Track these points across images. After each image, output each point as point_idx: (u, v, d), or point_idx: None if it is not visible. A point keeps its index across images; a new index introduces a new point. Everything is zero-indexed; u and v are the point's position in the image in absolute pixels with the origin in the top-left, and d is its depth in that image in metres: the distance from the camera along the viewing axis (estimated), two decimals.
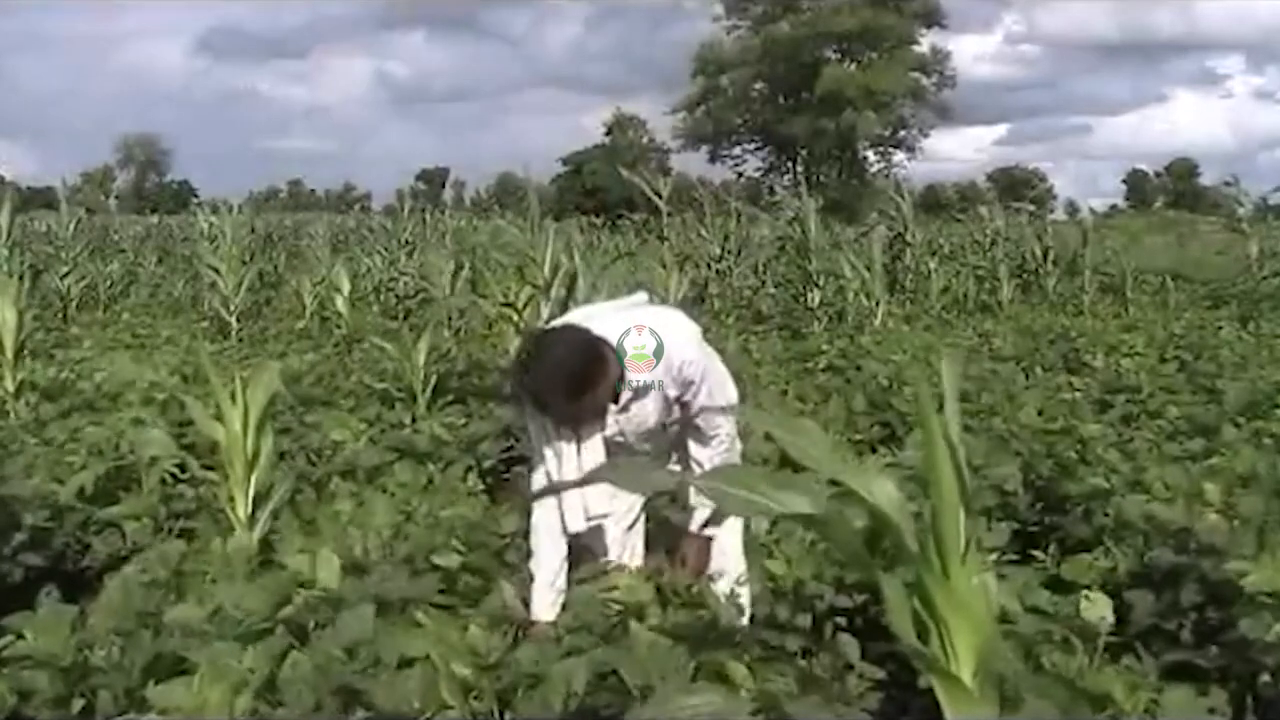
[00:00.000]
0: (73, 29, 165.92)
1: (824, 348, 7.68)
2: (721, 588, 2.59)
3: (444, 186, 64.78)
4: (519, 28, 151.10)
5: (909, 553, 1.25)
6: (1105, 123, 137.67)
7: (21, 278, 9.47)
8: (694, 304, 9.89)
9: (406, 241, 13.96)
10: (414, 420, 4.93)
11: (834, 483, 1.28)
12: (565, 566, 2.63)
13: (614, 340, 2.54)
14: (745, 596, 2.67)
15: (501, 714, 1.98)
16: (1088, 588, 2.54)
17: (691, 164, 52.96)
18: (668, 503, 3.12)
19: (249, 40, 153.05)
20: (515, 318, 5.96)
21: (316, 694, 1.97)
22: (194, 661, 2.07)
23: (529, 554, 2.66)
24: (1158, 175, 73.77)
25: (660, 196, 10.94)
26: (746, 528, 2.85)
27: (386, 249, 13.85)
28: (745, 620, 2.61)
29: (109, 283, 14.33)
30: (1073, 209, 52.41)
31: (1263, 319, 9.47)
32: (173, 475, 3.72)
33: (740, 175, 54.17)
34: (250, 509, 3.06)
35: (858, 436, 4.82)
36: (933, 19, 53.93)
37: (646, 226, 16.83)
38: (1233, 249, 14.38)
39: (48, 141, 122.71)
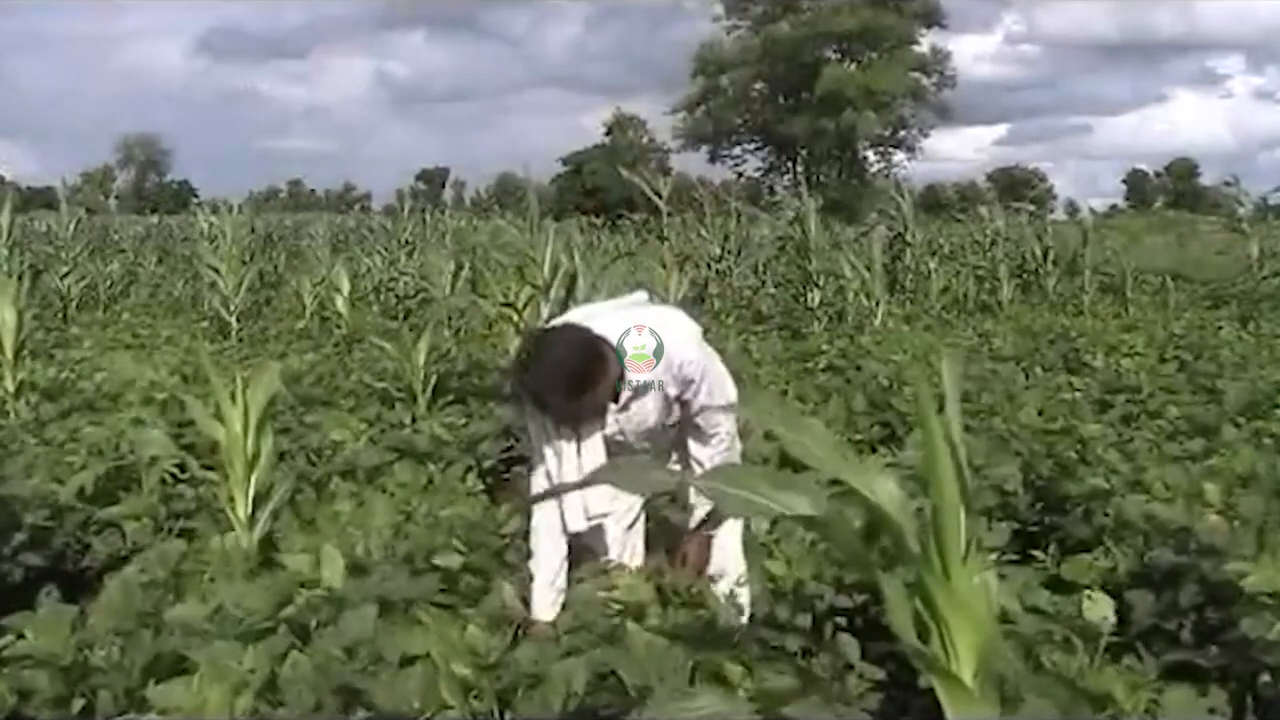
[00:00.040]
0: (73, 29, 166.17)
1: (824, 348, 7.67)
2: (721, 588, 2.59)
3: (444, 186, 64.83)
4: (519, 28, 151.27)
5: (910, 552, 1.25)
6: (1105, 123, 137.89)
7: (21, 278, 9.45)
8: (694, 304, 9.89)
9: (406, 241, 13.96)
10: (414, 420, 4.93)
11: (834, 482, 1.28)
12: (565, 566, 2.63)
13: (614, 340, 2.54)
14: (745, 596, 2.67)
15: (501, 714, 1.98)
16: (1088, 588, 2.54)
17: (691, 164, 53.05)
18: (668, 503, 3.12)
19: (249, 40, 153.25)
20: (515, 318, 5.96)
21: (317, 694, 1.97)
22: (194, 661, 2.08)
23: (529, 553, 2.67)
24: (1158, 175, 73.82)
25: (660, 196, 10.94)
26: (746, 527, 2.86)
27: (386, 249, 13.85)
28: (745, 620, 2.62)
29: (109, 283, 14.33)
30: (1073, 209, 52.48)
31: (1263, 319, 9.47)
32: (173, 475, 3.72)
33: (740, 175, 54.26)
34: (250, 509, 3.06)
35: (858, 436, 4.82)
36: (933, 19, 53.99)
37: (646, 226, 16.84)
38: (1233, 249, 14.38)
39: (48, 141, 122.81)
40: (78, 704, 2.09)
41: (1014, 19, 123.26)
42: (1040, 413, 4.64)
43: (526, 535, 2.72)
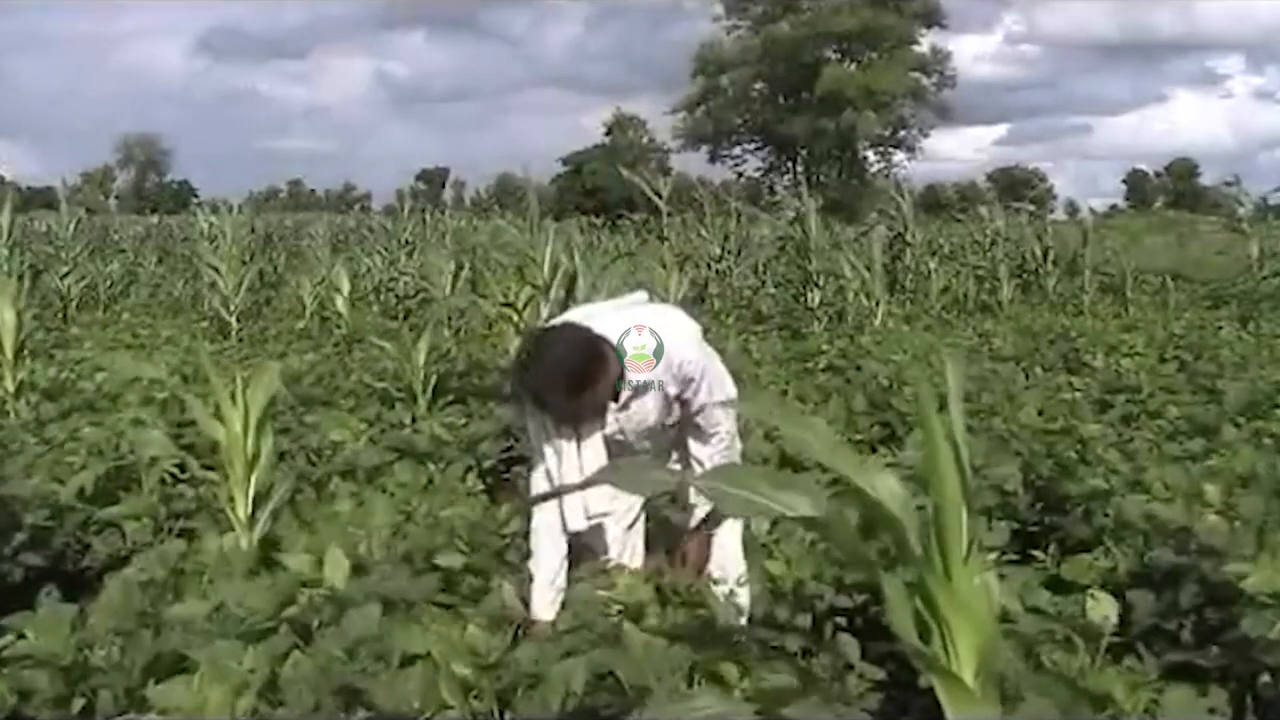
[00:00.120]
0: (73, 29, 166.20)
1: (824, 348, 7.67)
2: (721, 588, 2.59)
3: (444, 186, 64.81)
4: (519, 28, 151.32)
5: (911, 552, 1.25)
6: (1105, 123, 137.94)
7: (21, 278, 9.47)
8: (694, 304, 9.89)
9: (406, 241, 13.96)
10: (414, 420, 4.93)
11: (834, 482, 1.28)
12: (565, 565, 2.63)
13: (614, 339, 2.54)
14: (745, 596, 2.67)
15: (501, 714, 1.98)
16: (1088, 588, 2.54)
17: (691, 164, 53.05)
18: (667, 503, 3.12)
19: (249, 40, 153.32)
20: (515, 318, 5.96)
21: (317, 694, 1.97)
22: (194, 661, 2.08)
23: (528, 553, 2.67)
24: (1158, 175, 73.83)
25: (660, 196, 10.93)
26: (746, 527, 2.86)
27: (386, 249, 13.85)
28: (745, 620, 2.62)
29: (109, 283, 14.33)
30: (1073, 209, 52.52)
31: (1263, 319, 9.47)
32: (172, 475, 3.72)
33: (740, 175, 54.26)
34: (250, 509, 3.06)
35: (858, 436, 4.82)
36: (933, 19, 53.98)
37: (646, 226, 16.83)
38: (1233, 249, 14.37)
39: (48, 141, 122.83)
40: (78, 704, 2.09)
41: (1014, 19, 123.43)
42: (1040, 413, 4.64)
43: (526, 535, 2.72)
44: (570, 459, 2.59)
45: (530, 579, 2.63)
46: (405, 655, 2.09)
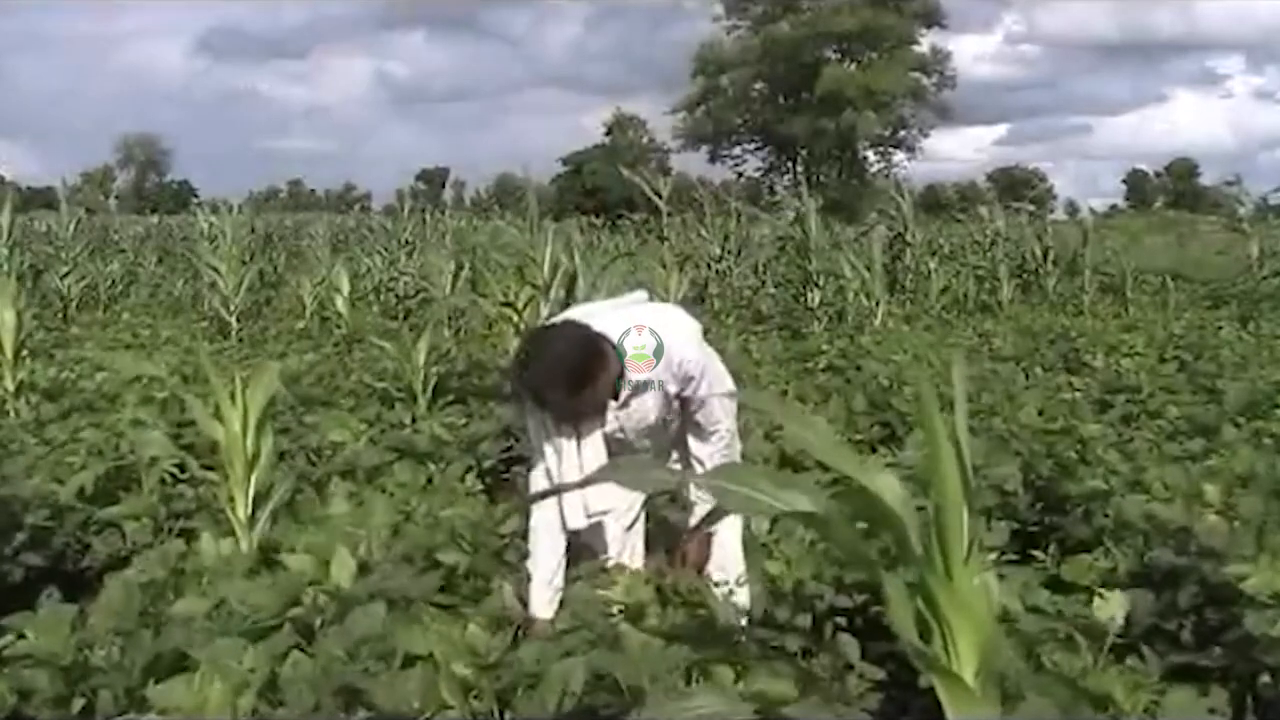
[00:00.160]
0: (73, 29, 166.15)
1: (824, 348, 7.67)
2: (721, 588, 2.59)
3: (444, 186, 64.76)
4: (519, 28, 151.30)
5: (912, 552, 1.25)
6: (1105, 123, 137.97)
7: (21, 278, 9.49)
8: (694, 304, 9.89)
9: (406, 241, 13.96)
10: (414, 420, 4.93)
11: (834, 482, 1.28)
12: (563, 564, 2.63)
13: (614, 339, 2.55)
14: (744, 596, 2.67)
15: (501, 714, 1.98)
16: (1088, 588, 2.54)
17: (691, 164, 53.06)
18: (667, 502, 3.12)
19: (249, 40, 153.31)
20: (515, 318, 5.96)
21: (317, 694, 1.97)
22: (195, 661, 2.08)
23: (527, 551, 2.67)
24: (1158, 175, 73.86)
25: (660, 196, 10.94)
26: (746, 527, 2.86)
27: (386, 249, 13.85)
28: (745, 620, 2.62)
29: (109, 283, 14.32)
30: (1073, 209, 52.49)
31: (1263, 319, 9.47)
32: (172, 475, 3.72)
33: (740, 175, 54.27)
34: (250, 509, 3.06)
35: (858, 436, 4.82)
36: (933, 19, 53.99)
37: (646, 226, 16.83)
38: (1233, 249, 14.37)
39: (48, 141, 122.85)
40: (78, 704, 2.09)
41: (1014, 19, 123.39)
42: (1040, 413, 4.64)
43: (525, 534, 2.72)
44: (570, 457, 2.59)
45: (528, 578, 2.63)
46: (407, 655, 2.09)
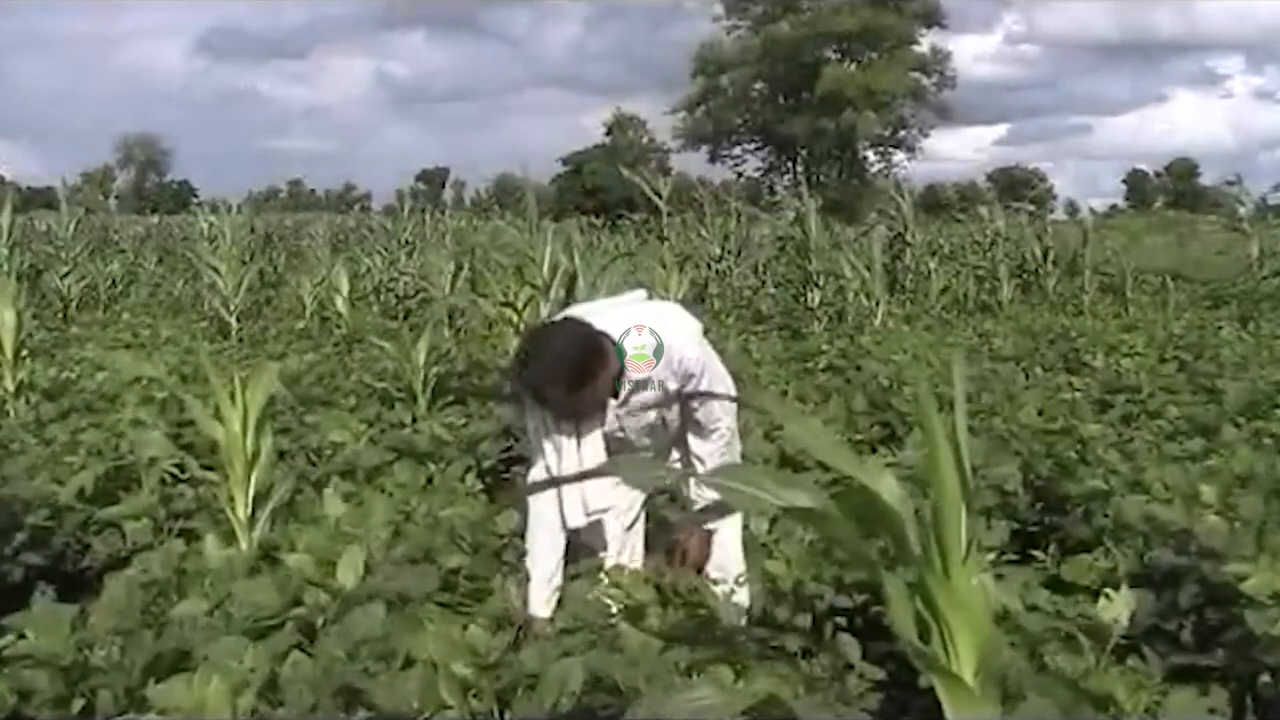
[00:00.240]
0: (73, 29, 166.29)
1: (824, 348, 7.67)
2: (721, 588, 2.59)
3: (444, 186, 64.79)
4: (519, 28, 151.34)
5: (910, 551, 1.25)
6: (1105, 123, 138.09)
7: (21, 278, 9.48)
8: (694, 304, 9.88)
9: (406, 241, 13.95)
10: (414, 420, 4.93)
11: (834, 482, 1.28)
12: (562, 563, 2.63)
13: (614, 338, 2.55)
14: (744, 595, 2.67)
15: (501, 714, 1.98)
16: (1088, 588, 2.54)
17: (691, 164, 53.09)
18: (667, 502, 3.12)
19: (249, 40, 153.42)
20: (515, 318, 5.96)
21: (317, 694, 1.97)
22: (195, 660, 2.08)
23: (526, 549, 2.67)
24: (1158, 175, 73.90)
25: (660, 196, 10.94)
26: (746, 526, 2.86)
27: (386, 249, 13.84)
28: (744, 620, 2.62)
29: (109, 283, 14.31)
30: (1073, 209, 52.56)
31: (1263, 319, 9.47)
32: (172, 475, 3.72)
33: (740, 175, 54.27)
34: (250, 509, 3.06)
35: (858, 436, 4.82)
36: (933, 19, 54.01)
37: (646, 226, 16.82)
38: (1233, 249, 14.37)
39: (48, 141, 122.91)
40: (78, 704, 2.09)
41: (1014, 19, 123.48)
42: (1040, 413, 4.64)
43: (524, 533, 2.72)
44: (570, 456, 2.59)
45: (528, 576, 2.63)
46: (407, 656, 2.09)
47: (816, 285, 10.54)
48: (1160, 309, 11.36)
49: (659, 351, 2.59)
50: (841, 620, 2.58)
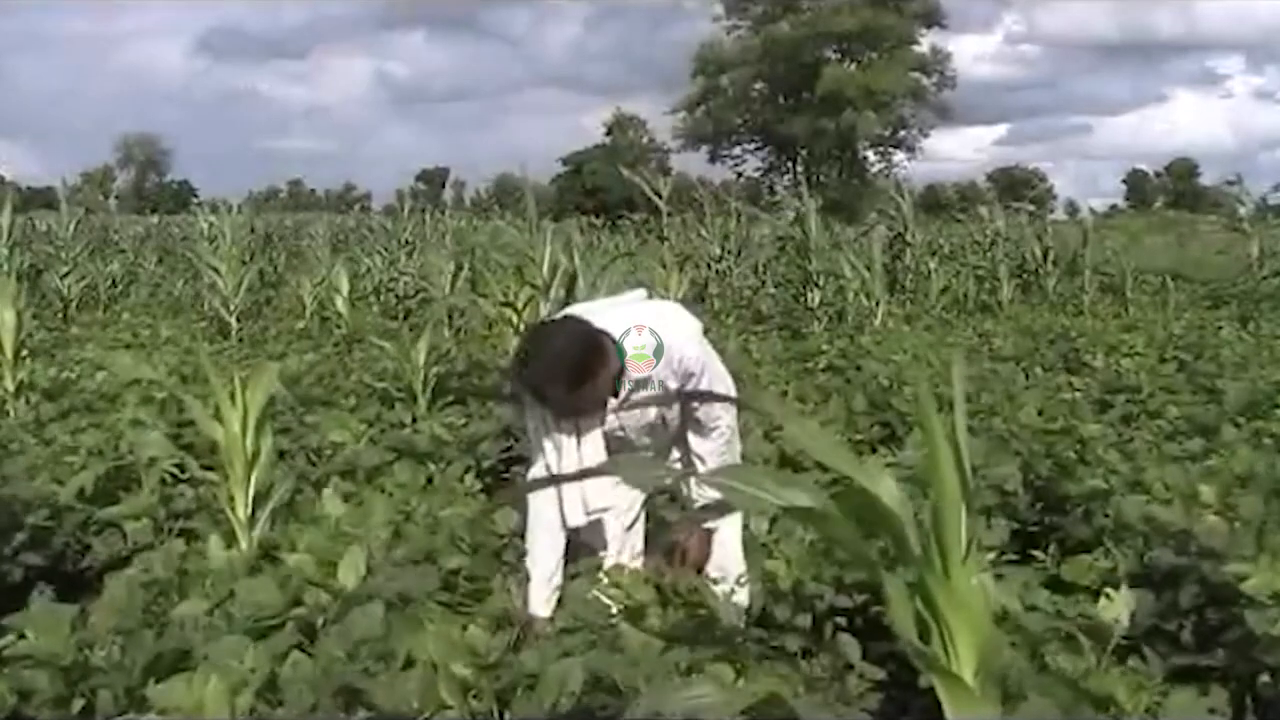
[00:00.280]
0: (73, 29, 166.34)
1: (824, 348, 7.67)
2: (721, 587, 2.59)
3: (444, 186, 64.78)
4: (519, 28, 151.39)
5: (910, 551, 1.25)
6: (1105, 123, 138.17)
7: (21, 278, 9.48)
8: (694, 304, 9.88)
9: (406, 241, 13.95)
10: (414, 420, 4.93)
11: (834, 483, 1.28)
12: (562, 562, 2.63)
13: (614, 338, 2.55)
14: (743, 595, 2.67)
15: (501, 714, 1.98)
16: (1088, 588, 2.54)
17: (691, 164, 53.10)
18: (667, 502, 3.12)
19: (249, 40, 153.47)
20: (515, 318, 5.96)
21: (316, 694, 1.97)
22: (196, 660, 2.07)
23: (526, 548, 2.67)
24: (1158, 175, 73.93)
25: (660, 196, 10.94)
26: (746, 526, 2.86)
27: (386, 249, 13.84)
28: (743, 620, 2.62)
29: (109, 283, 14.31)
30: (1073, 209, 52.57)
31: (1263, 319, 9.46)
32: (172, 475, 3.72)
33: (740, 175, 54.27)
34: (250, 509, 3.06)
35: (858, 436, 4.82)
36: (933, 19, 54.02)
37: (646, 226, 16.81)
38: (1233, 249, 14.36)
39: (48, 141, 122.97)
40: (78, 704, 2.09)
41: (1014, 19, 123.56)
42: (1040, 413, 4.64)
43: (524, 532, 2.72)
44: (570, 454, 2.59)
45: (528, 575, 2.63)
46: (407, 656, 2.09)
47: (816, 285, 10.53)
48: (1160, 309, 11.35)
49: (659, 351, 2.59)
50: (841, 620, 2.58)
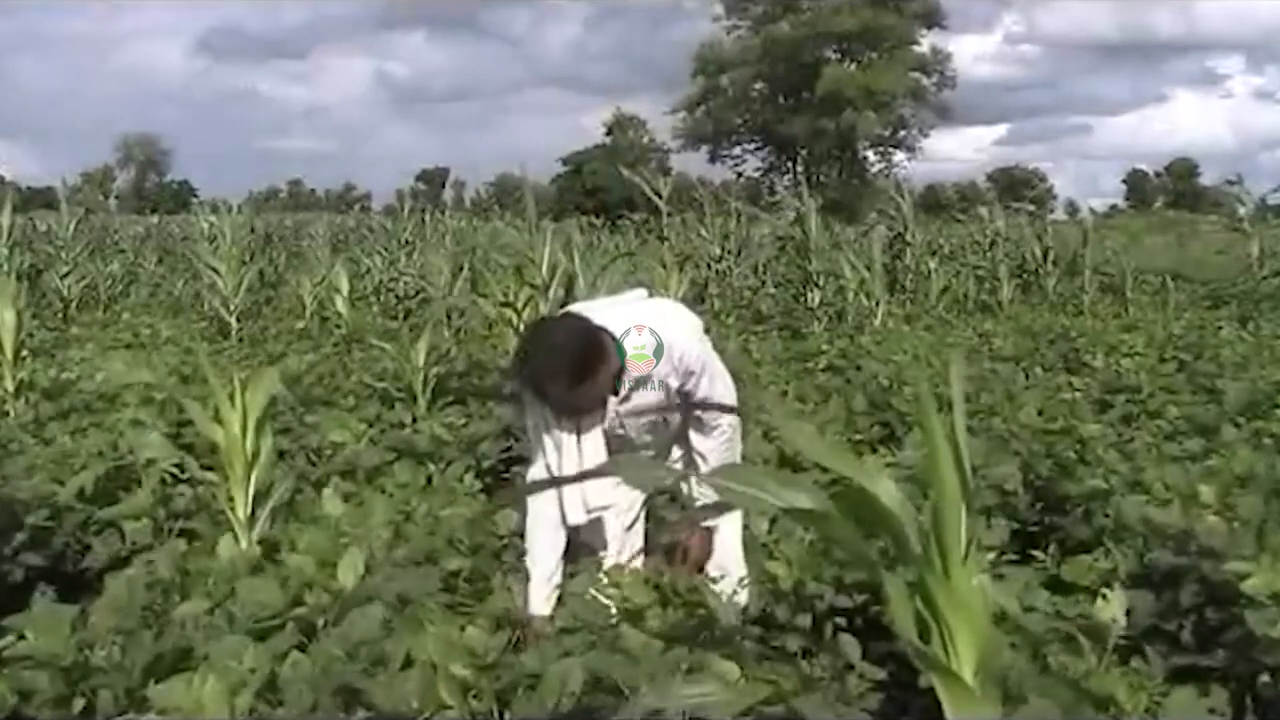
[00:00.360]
0: (73, 29, 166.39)
1: (824, 348, 7.67)
2: (721, 586, 2.59)
3: (444, 187, 64.75)
4: (519, 28, 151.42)
5: (910, 551, 1.25)
6: (1105, 123, 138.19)
7: (21, 278, 9.49)
8: (694, 304, 9.87)
9: (406, 242, 13.94)
10: (414, 420, 4.93)
11: (834, 482, 1.29)
12: (562, 561, 2.63)
13: (614, 336, 2.55)
14: (742, 594, 2.67)
15: (501, 714, 1.98)
16: (1088, 588, 2.53)
17: (691, 164, 53.12)
18: (667, 502, 3.12)
19: (249, 40, 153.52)
20: (514, 318, 5.96)
21: (316, 694, 1.97)
22: (196, 660, 2.07)
23: (526, 547, 2.67)
24: (1158, 175, 73.93)
25: (660, 196, 10.94)
26: (746, 526, 2.86)
27: (386, 249, 13.83)
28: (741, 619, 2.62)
29: (109, 283, 14.30)
30: (1073, 209, 52.58)
31: (1263, 319, 9.46)
32: (172, 475, 3.72)
33: (740, 175, 54.27)
34: (250, 509, 3.06)
35: (858, 436, 4.82)
36: (933, 19, 54.05)
37: (646, 226, 16.80)
38: (1233, 249, 14.35)
39: (48, 141, 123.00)
40: (78, 704, 2.09)
41: (1014, 19, 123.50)
42: (1040, 413, 4.63)
43: (524, 530, 2.72)
44: (570, 452, 2.59)
45: (528, 574, 2.63)
46: (406, 656, 2.09)
47: (816, 285, 10.53)
48: (1160, 309, 11.35)
49: (659, 351, 2.59)
50: (841, 620, 2.57)
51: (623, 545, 2.78)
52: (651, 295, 2.98)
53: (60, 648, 2.14)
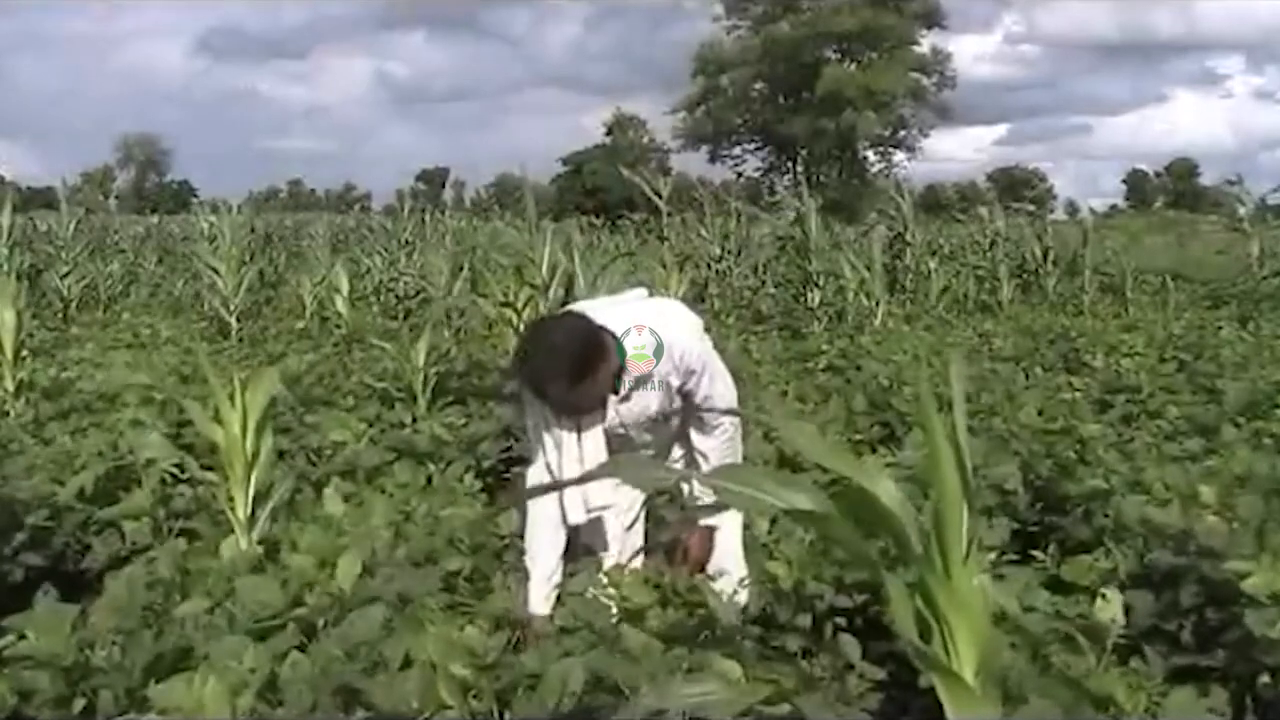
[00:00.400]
0: (73, 29, 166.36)
1: (824, 348, 7.67)
2: (722, 585, 2.59)
3: (444, 187, 64.80)
4: (519, 28, 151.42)
5: (911, 551, 1.25)
6: (1105, 123, 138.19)
7: (21, 278, 9.49)
8: (694, 304, 9.86)
9: (406, 242, 13.94)
10: (414, 420, 4.93)
11: (834, 482, 1.29)
12: (562, 561, 2.63)
13: (615, 336, 2.55)
14: (742, 594, 2.67)
15: (501, 714, 1.98)
16: (1088, 588, 2.53)
17: (691, 164, 53.14)
18: (667, 502, 3.12)
19: (249, 40, 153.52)
20: (515, 318, 5.96)
21: (316, 694, 1.97)
22: (196, 660, 2.07)
23: (526, 546, 2.67)
24: (1158, 175, 73.94)
25: (660, 196, 10.93)
26: (746, 527, 2.86)
27: (386, 249, 13.83)
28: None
29: (109, 283, 14.30)
30: (1073, 209, 52.58)
31: (1263, 319, 9.46)
32: (172, 475, 3.72)
33: (740, 175, 54.28)
34: (250, 509, 3.06)
35: (858, 436, 4.82)
36: (933, 19, 54.04)
37: (646, 226, 16.79)
38: (1233, 249, 14.35)
39: (48, 141, 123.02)
40: (79, 704, 2.09)
41: (1014, 19, 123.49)
42: (1040, 413, 4.63)
43: (524, 530, 2.72)
44: (570, 451, 2.59)
45: (528, 574, 2.63)
46: (406, 656, 2.09)
47: (816, 285, 10.53)
48: (1160, 309, 11.34)
49: (659, 351, 2.59)
50: (841, 620, 2.58)
51: (623, 545, 2.78)
52: (652, 295, 2.98)
53: (60, 648, 2.14)
